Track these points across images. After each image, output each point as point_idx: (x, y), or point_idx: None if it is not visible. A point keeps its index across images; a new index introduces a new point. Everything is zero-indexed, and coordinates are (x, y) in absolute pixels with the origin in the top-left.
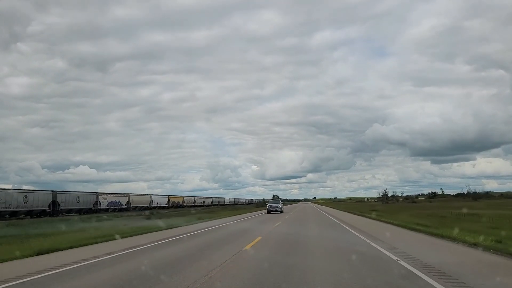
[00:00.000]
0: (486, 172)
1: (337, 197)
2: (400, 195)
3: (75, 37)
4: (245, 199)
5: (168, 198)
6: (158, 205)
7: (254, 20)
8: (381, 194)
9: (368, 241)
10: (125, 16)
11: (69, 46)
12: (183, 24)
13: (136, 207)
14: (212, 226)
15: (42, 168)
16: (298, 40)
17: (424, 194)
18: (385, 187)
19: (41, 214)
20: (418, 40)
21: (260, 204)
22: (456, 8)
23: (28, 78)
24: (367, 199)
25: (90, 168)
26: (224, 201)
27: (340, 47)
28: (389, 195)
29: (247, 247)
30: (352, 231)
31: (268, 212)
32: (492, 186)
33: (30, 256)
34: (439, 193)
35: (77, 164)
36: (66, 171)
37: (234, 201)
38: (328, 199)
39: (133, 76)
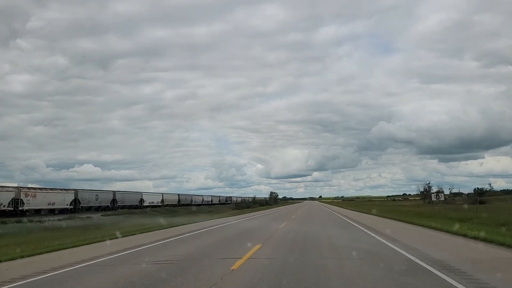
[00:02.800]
0: (494, 170)
1: (344, 195)
2: (450, 191)
3: (75, 33)
4: (215, 196)
5: None
6: None
7: (257, 15)
8: (421, 189)
9: None
10: (126, 12)
11: (69, 42)
12: (184, 20)
13: None
14: None
15: (47, 167)
16: (302, 35)
17: (433, 192)
18: (391, 185)
19: (105, 209)
20: (426, 35)
21: (243, 205)
22: (465, 2)
23: (29, 76)
24: (436, 198)
25: (95, 166)
26: (154, 201)
27: (345, 43)
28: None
29: None
30: None
31: None
32: (500, 184)
33: None
34: (488, 189)
35: (81, 163)
36: (71, 169)
37: (179, 200)
38: (335, 197)
39: (135, 73)
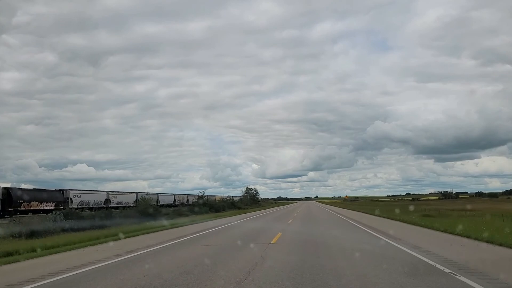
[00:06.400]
0: (489, 170)
1: (340, 196)
2: None
3: (64, 28)
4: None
5: None
6: None
7: (251, 10)
8: None
9: None
10: (116, 6)
11: (58, 38)
12: (177, 15)
13: None
14: None
15: (39, 167)
16: (298, 32)
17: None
18: (387, 186)
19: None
20: (423, 32)
21: (135, 213)
22: None
23: (18, 73)
24: None
25: (88, 166)
26: None
27: (341, 39)
28: None
29: None
30: None
31: None
32: (495, 185)
33: None
34: None
35: (74, 163)
36: (64, 169)
37: None
38: (331, 197)
39: (127, 70)
